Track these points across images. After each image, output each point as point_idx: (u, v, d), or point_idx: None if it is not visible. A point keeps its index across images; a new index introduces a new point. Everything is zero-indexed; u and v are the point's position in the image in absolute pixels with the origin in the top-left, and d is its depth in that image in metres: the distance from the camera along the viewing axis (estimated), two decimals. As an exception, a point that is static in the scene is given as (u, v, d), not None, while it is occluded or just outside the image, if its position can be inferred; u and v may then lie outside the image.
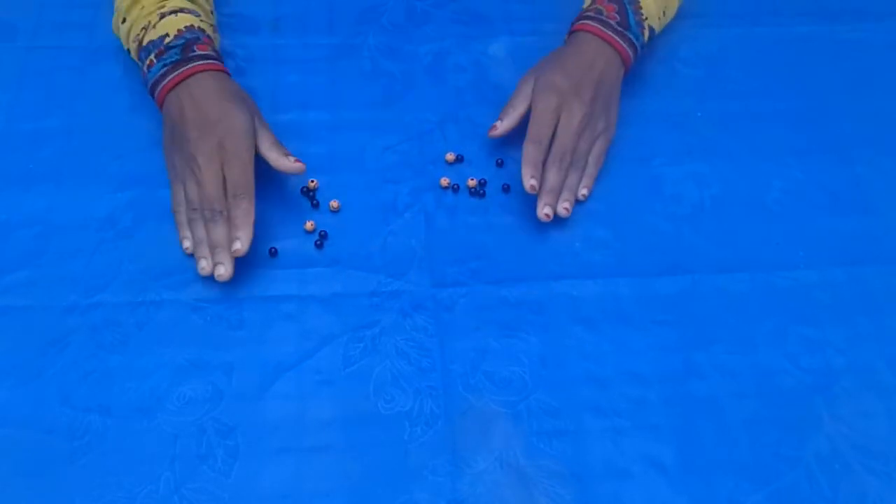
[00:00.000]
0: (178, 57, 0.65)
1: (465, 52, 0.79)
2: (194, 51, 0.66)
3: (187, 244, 0.64)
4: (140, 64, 0.68)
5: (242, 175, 0.62)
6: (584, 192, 0.68)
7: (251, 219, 0.61)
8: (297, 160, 0.65)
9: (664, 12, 0.74)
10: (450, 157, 0.71)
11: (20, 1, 0.80)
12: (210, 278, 0.62)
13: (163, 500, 0.54)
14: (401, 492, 0.55)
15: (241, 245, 0.60)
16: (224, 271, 0.61)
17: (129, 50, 0.71)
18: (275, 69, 0.76)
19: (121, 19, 0.70)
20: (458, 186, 0.69)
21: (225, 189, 0.62)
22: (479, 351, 0.61)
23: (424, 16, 0.81)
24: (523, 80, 0.70)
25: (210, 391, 0.59)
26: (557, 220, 0.67)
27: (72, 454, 0.56)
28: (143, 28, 0.68)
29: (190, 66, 0.65)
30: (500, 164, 0.71)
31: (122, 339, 0.61)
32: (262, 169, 0.65)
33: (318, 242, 0.66)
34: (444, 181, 0.69)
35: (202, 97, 0.64)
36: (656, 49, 0.78)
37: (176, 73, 0.65)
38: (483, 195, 0.69)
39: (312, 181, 0.69)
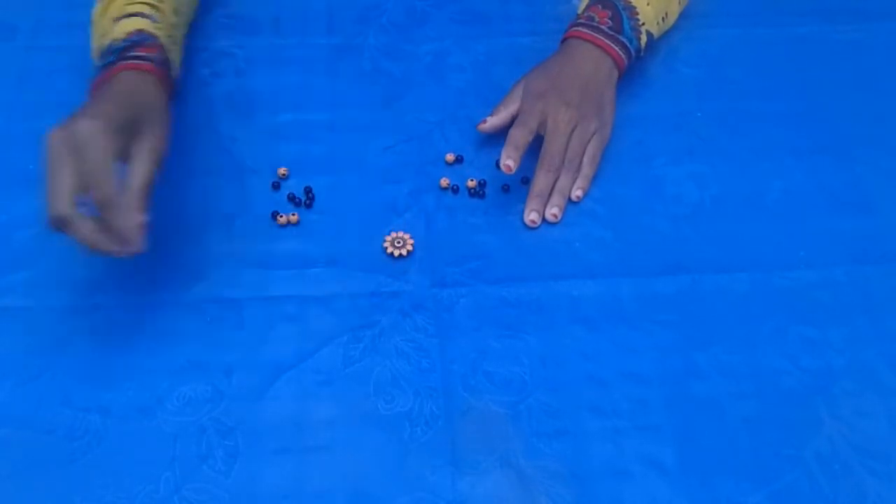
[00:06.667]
0: (114, 58, 0.61)
1: (465, 52, 0.79)
2: (133, 52, 0.61)
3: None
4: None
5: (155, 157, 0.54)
6: (578, 192, 0.68)
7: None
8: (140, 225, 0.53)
9: (664, 18, 0.74)
10: (450, 157, 0.71)
11: (20, 1, 0.80)
12: (211, 279, 0.62)
13: (163, 501, 0.54)
14: (401, 492, 0.55)
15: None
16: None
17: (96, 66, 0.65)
18: (275, 69, 0.76)
19: (93, 36, 0.67)
20: (458, 188, 0.69)
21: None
22: (479, 351, 0.61)
23: (424, 16, 0.81)
24: (514, 85, 0.71)
25: (210, 391, 0.58)
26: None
27: (72, 454, 0.56)
28: (101, 36, 0.65)
29: (119, 63, 0.60)
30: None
31: (122, 339, 0.61)
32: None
33: (307, 202, 0.67)
34: (444, 182, 0.69)
35: (118, 88, 0.57)
36: (657, 49, 0.78)
37: (104, 72, 0.60)
38: (483, 196, 0.69)
39: (282, 169, 0.68)
